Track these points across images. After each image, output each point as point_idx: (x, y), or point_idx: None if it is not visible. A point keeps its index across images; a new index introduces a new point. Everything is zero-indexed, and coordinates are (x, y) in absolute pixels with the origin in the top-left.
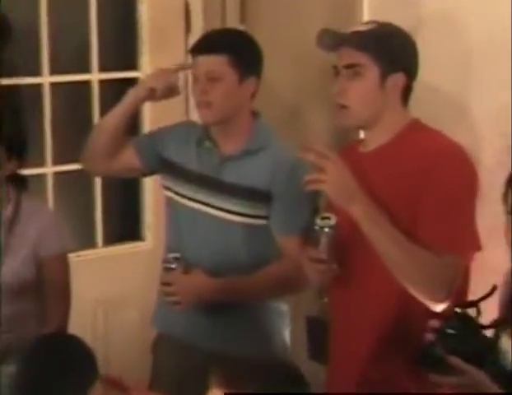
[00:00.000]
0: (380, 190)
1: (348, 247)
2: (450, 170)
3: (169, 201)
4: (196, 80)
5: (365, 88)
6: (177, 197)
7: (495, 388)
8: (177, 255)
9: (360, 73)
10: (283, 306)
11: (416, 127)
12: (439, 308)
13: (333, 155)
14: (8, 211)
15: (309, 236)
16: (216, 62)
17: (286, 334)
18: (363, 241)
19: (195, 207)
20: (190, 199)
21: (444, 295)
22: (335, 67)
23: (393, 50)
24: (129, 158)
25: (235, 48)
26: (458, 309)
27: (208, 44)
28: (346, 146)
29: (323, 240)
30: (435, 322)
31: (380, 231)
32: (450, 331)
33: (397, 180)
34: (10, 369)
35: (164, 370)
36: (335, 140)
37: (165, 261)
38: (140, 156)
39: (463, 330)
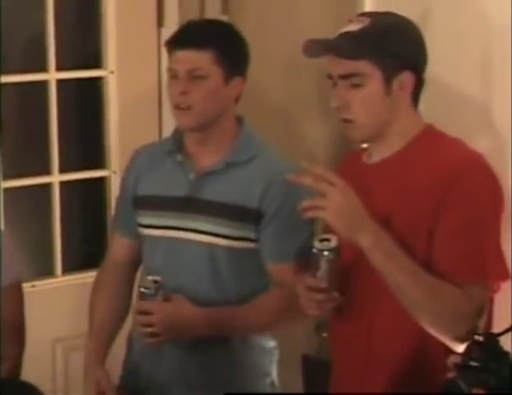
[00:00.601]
0: (387, 209)
1: (351, 273)
2: (470, 186)
3: (143, 240)
4: (174, 78)
5: (368, 98)
6: (149, 231)
7: None
8: (157, 278)
9: (362, 83)
10: (270, 343)
11: (430, 135)
12: (463, 347)
13: (335, 178)
14: None
15: (305, 262)
16: (198, 59)
17: (274, 374)
18: (369, 266)
19: (172, 236)
20: (163, 228)
21: (468, 333)
22: (330, 77)
23: (393, 49)
24: (132, 251)
25: (222, 42)
26: (479, 338)
27: (191, 37)
28: (348, 155)
29: (323, 265)
30: (455, 357)
31: (393, 264)
32: (473, 363)
33: (407, 198)
34: None
35: None
36: (332, 147)
37: (143, 285)
38: (133, 234)
39: (486, 361)
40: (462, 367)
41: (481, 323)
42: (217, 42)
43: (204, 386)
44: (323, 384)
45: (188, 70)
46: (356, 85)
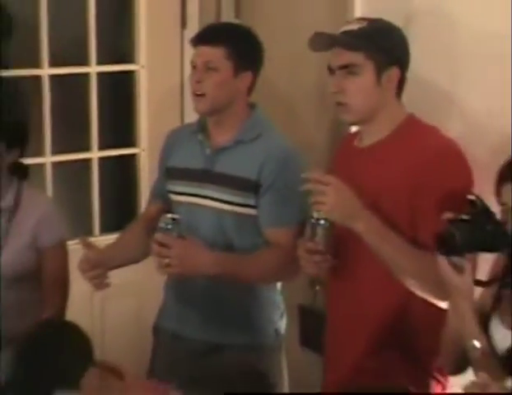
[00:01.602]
0: (377, 186)
1: (345, 239)
2: (445, 167)
3: (172, 204)
4: (194, 69)
5: (362, 85)
6: (176, 197)
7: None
8: (175, 216)
9: (357, 72)
10: (276, 296)
11: (412, 124)
12: (445, 304)
13: (332, 179)
14: (9, 199)
15: (298, 229)
16: (213, 53)
17: (280, 323)
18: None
19: (192, 201)
20: (187, 195)
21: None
22: (329, 67)
23: (385, 46)
24: (158, 210)
25: (232, 41)
26: (470, 196)
27: (207, 36)
28: (343, 141)
29: (320, 232)
30: (448, 214)
31: (384, 244)
32: (465, 217)
33: (392, 178)
34: (7, 354)
35: (156, 362)
36: (328, 132)
37: (162, 221)
38: (163, 198)
39: (476, 215)
40: (455, 220)
41: None
42: (228, 41)
43: (218, 328)
44: (316, 330)
45: (204, 62)
46: (352, 74)
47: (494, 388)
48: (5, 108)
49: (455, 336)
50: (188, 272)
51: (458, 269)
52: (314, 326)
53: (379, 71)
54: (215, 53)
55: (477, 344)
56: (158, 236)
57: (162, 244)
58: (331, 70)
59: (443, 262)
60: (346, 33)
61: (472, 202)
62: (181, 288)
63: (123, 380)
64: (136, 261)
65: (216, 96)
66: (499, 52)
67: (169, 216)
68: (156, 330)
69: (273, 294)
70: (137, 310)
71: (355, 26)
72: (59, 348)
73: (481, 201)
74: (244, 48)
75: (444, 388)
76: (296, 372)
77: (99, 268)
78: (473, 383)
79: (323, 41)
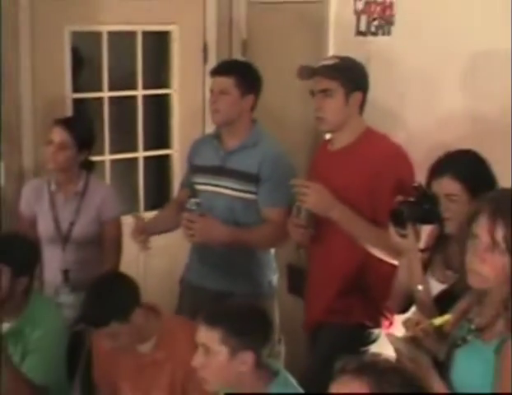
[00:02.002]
0: (346, 180)
1: (322, 217)
2: (394, 166)
3: (197, 192)
4: (212, 92)
5: (335, 105)
6: (199, 187)
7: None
8: (198, 200)
9: (332, 95)
10: (270, 257)
11: (370, 133)
12: (396, 262)
13: (312, 184)
14: (80, 185)
15: (289, 208)
16: (225, 82)
17: (273, 277)
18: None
19: (210, 189)
20: (207, 184)
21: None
22: (311, 91)
23: (353, 76)
24: (185, 195)
25: (239, 73)
26: (415, 184)
27: (221, 69)
28: (319, 146)
29: (303, 212)
30: (399, 197)
31: (352, 225)
32: (411, 199)
33: (358, 172)
34: (80, 296)
35: (182, 305)
36: (309, 140)
37: (189, 204)
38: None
39: (419, 197)
40: (403, 201)
41: None
42: (236, 72)
43: (225, 278)
44: (300, 282)
45: (219, 88)
46: (328, 96)
47: (424, 323)
48: (77, 121)
49: (402, 286)
50: (207, 241)
51: (405, 236)
52: (298, 278)
53: (347, 94)
54: (226, 81)
55: (420, 287)
56: (185, 215)
57: (189, 220)
58: (312, 93)
59: (393, 232)
60: (324, 66)
61: (415, 187)
62: (202, 252)
63: (161, 316)
64: (170, 230)
65: (227, 112)
66: (431, 83)
67: (194, 200)
68: (183, 282)
69: (268, 256)
70: (170, 266)
71: (330, 61)
72: (116, 290)
73: (422, 186)
74: (248, 78)
75: (391, 323)
76: (285, 312)
77: (143, 235)
78: (409, 319)
79: (308, 72)
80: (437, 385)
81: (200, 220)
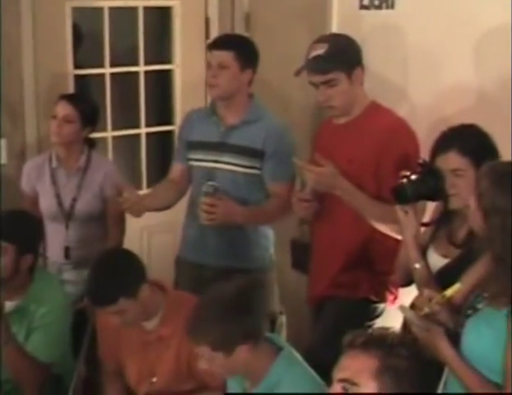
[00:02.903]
0: (350, 153)
1: (327, 194)
2: (398, 139)
3: (191, 168)
4: (209, 67)
5: (341, 91)
6: (196, 163)
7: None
8: (214, 183)
9: (335, 84)
10: (269, 231)
11: (374, 107)
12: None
13: (311, 167)
14: (82, 161)
15: (291, 183)
16: (225, 56)
17: (272, 251)
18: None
19: (209, 166)
20: (205, 161)
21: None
22: (312, 83)
23: (350, 57)
24: (183, 172)
25: (239, 47)
26: (421, 161)
27: (221, 43)
28: (324, 121)
29: (308, 186)
30: (403, 172)
31: (355, 200)
32: (415, 175)
33: (362, 146)
34: (85, 272)
35: (180, 283)
36: (309, 112)
37: (206, 187)
38: (186, 163)
39: (423, 173)
40: (408, 177)
41: None
42: (236, 46)
43: (227, 254)
44: (303, 257)
45: (217, 62)
46: (332, 86)
47: (437, 298)
48: (82, 97)
49: (405, 260)
50: (226, 222)
51: (407, 212)
52: (301, 254)
53: (349, 75)
54: (225, 55)
55: (417, 265)
56: (204, 199)
57: (209, 205)
58: (314, 84)
59: (397, 208)
60: (316, 58)
61: (420, 164)
62: (201, 229)
63: (166, 291)
64: (165, 208)
65: (227, 86)
66: (434, 58)
67: (210, 183)
68: (180, 260)
69: (267, 230)
70: (174, 243)
71: (320, 51)
72: (121, 267)
73: (428, 163)
74: (247, 52)
75: (395, 297)
76: (288, 287)
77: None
78: (419, 297)
79: (303, 70)
80: (449, 353)
81: (220, 204)
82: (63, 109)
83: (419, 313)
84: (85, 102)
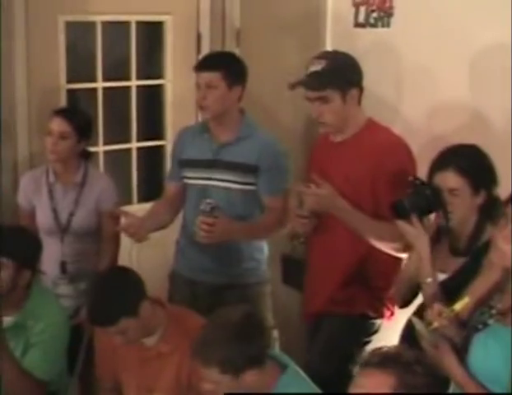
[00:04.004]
0: (347, 171)
1: None
2: (395, 158)
3: (186, 186)
4: (198, 88)
5: (333, 109)
6: (190, 181)
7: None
8: (211, 201)
9: (328, 101)
10: (262, 244)
11: (371, 125)
12: (400, 254)
13: (313, 190)
14: (79, 176)
15: (285, 195)
16: (212, 76)
17: (266, 265)
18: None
19: (203, 183)
20: (198, 178)
21: (401, 246)
22: (307, 98)
23: (346, 76)
24: (178, 190)
25: (225, 65)
26: (411, 178)
27: (207, 64)
28: (320, 137)
29: (305, 207)
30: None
31: (353, 219)
32: (410, 190)
33: (359, 164)
34: (80, 286)
35: (174, 300)
36: (299, 127)
37: (204, 206)
38: (180, 181)
39: (417, 186)
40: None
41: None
42: (223, 66)
43: (223, 270)
44: (295, 274)
45: (206, 83)
46: (325, 103)
47: (446, 312)
48: (76, 111)
49: (406, 280)
50: (223, 239)
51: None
52: (293, 269)
53: (344, 95)
54: (214, 76)
55: (429, 280)
56: (202, 218)
57: (207, 224)
58: (310, 99)
59: (400, 223)
60: (312, 75)
61: (411, 181)
62: (196, 244)
63: (165, 307)
64: (163, 228)
65: (216, 107)
66: (429, 76)
67: (208, 201)
68: (174, 276)
69: (261, 243)
70: (164, 258)
71: (318, 67)
72: (121, 286)
73: (418, 178)
74: (235, 69)
75: (392, 313)
76: (278, 302)
77: (142, 231)
78: (429, 311)
79: (298, 86)
80: (457, 371)
81: (218, 222)
82: (58, 126)
83: (428, 327)
84: (79, 115)
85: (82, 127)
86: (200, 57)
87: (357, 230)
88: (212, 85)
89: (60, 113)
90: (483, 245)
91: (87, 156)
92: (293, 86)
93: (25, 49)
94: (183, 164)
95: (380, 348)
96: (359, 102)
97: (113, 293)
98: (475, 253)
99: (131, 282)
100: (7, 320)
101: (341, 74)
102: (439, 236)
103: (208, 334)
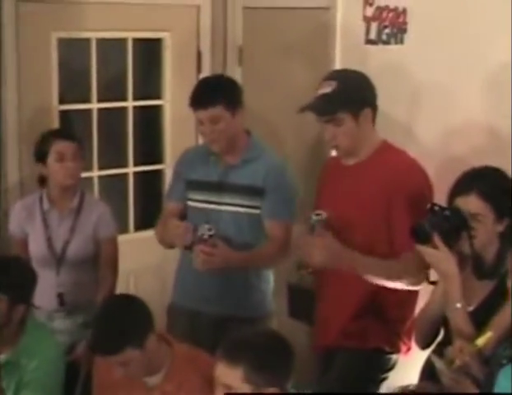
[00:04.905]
0: (360, 197)
1: (335, 234)
2: (413, 183)
3: (189, 209)
4: (201, 124)
5: (346, 132)
6: (194, 203)
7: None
8: (210, 227)
9: (339, 124)
10: (269, 274)
11: (386, 147)
12: (420, 287)
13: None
14: (75, 202)
15: (291, 222)
16: (215, 112)
17: (272, 296)
18: (350, 233)
19: (209, 207)
20: (204, 202)
21: (421, 279)
22: (318, 120)
23: (358, 97)
24: (179, 211)
25: (224, 96)
26: (429, 205)
27: (205, 100)
28: (330, 159)
29: (317, 229)
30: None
31: (363, 269)
32: (435, 208)
33: (373, 188)
34: (77, 320)
35: (174, 333)
36: (305, 149)
37: (202, 231)
38: (182, 201)
39: (441, 209)
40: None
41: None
42: (223, 97)
43: (227, 300)
44: (302, 306)
45: (209, 118)
46: (337, 125)
47: (468, 348)
48: (73, 133)
49: (429, 317)
50: (222, 267)
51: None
52: (300, 300)
53: (356, 116)
54: (216, 111)
55: (458, 305)
56: (201, 246)
57: (206, 252)
58: (321, 121)
59: (421, 248)
60: (322, 97)
61: (430, 208)
62: (196, 273)
63: (172, 345)
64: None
65: (225, 138)
66: (445, 95)
67: (206, 226)
68: (173, 307)
69: (268, 273)
70: (160, 287)
71: (328, 89)
72: (129, 314)
73: (437, 204)
74: (233, 96)
75: (409, 347)
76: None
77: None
78: (450, 348)
79: (307, 110)
80: None
81: (217, 252)
82: (69, 148)
83: (450, 365)
84: (76, 138)
85: (83, 148)
86: (200, 75)
87: (371, 278)
88: (216, 120)
89: (63, 134)
90: (506, 272)
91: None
92: (302, 110)
93: (15, 67)
94: (190, 185)
95: (408, 386)
96: (373, 122)
97: (121, 320)
98: (500, 281)
99: (140, 312)
100: (0, 357)
101: (352, 95)
102: (461, 263)
103: (246, 335)
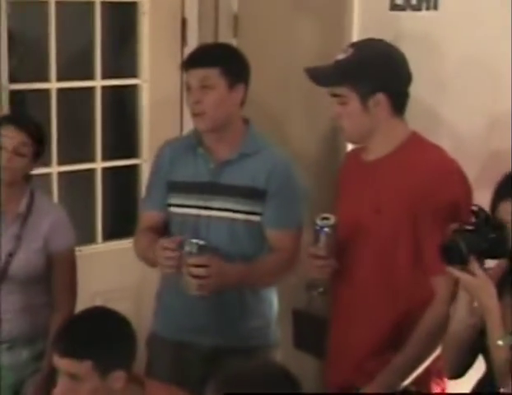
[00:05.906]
0: (381, 199)
1: (347, 245)
2: (448, 187)
3: (171, 217)
4: (189, 90)
5: (350, 112)
6: (178, 210)
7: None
8: (201, 242)
9: (344, 102)
10: (272, 295)
11: (415, 141)
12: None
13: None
14: (23, 205)
15: (299, 231)
16: (208, 74)
17: (274, 321)
18: (365, 244)
19: (196, 213)
20: (190, 207)
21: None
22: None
23: (367, 75)
24: (160, 222)
25: (225, 60)
26: (474, 208)
27: (201, 59)
28: (350, 153)
29: (323, 239)
30: (454, 225)
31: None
32: (469, 227)
33: (397, 190)
34: (23, 355)
35: (157, 369)
36: (314, 140)
37: (189, 246)
38: (163, 208)
39: (480, 224)
40: (459, 230)
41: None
42: (221, 61)
43: (221, 329)
44: (311, 336)
45: (199, 82)
46: (341, 103)
47: None
48: (30, 120)
49: (458, 342)
50: (221, 287)
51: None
52: (308, 329)
53: (364, 99)
54: (209, 73)
55: (501, 342)
56: (190, 261)
57: (197, 267)
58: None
59: (455, 271)
60: (333, 65)
61: (474, 212)
62: (183, 297)
63: (143, 385)
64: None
65: (215, 113)
66: (487, 75)
67: (195, 241)
68: (155, 339)
69: (270, 293)
70: (130, 312)
71: (341, 56)
72: (115, 331)
73: (484, 211)
74: (236, 65)
75: (443, 389)
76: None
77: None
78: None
79: (314, 75)
80: None
81: (215, 263)
82: (13, 138)
83: None
84: (34, 125)
85: (39, 140)
86: (186, 49)
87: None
88: (209, 85)
89: (12, 120)
90: None
91: (31, 180)
92: (308, 73)
93: None
94: (173, 188)
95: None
96: (398, 111)
97: (103, 330)
98: None
99: (124, 334)
100: None
101: (362, 71)
102: (501, 288)
103: (244, 369)
